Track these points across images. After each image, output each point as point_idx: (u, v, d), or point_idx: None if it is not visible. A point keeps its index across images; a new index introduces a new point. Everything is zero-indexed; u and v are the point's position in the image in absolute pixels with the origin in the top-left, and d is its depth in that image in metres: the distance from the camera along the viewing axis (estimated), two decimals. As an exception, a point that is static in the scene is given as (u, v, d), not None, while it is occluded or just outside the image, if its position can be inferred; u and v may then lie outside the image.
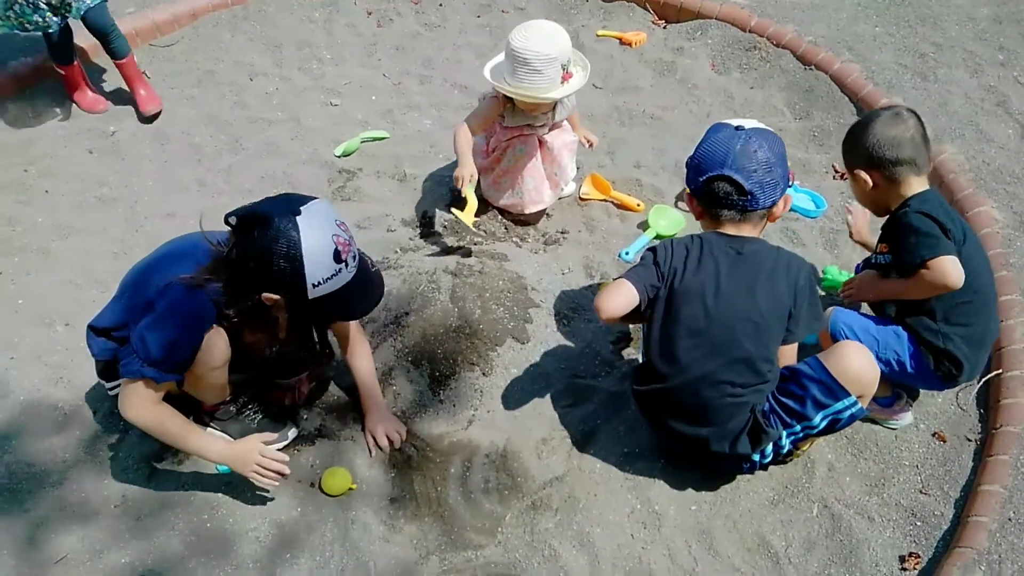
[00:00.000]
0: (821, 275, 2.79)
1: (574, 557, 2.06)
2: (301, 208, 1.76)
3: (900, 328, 2.18)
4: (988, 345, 2.24)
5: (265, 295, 1.84)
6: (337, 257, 1.80)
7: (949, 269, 2.00)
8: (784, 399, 2.00)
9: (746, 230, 2.04)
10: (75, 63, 3.51)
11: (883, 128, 2.10)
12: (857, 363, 1.98)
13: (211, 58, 3.99)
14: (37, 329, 2.62)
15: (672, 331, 2.01)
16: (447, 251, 2.85)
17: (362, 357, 2.32)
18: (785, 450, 2.07)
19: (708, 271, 2.00)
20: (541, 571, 2.04)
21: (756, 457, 2.06)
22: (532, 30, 2.61)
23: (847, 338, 2.15)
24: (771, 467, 2.23)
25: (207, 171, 3.31)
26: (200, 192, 3.22)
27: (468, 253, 2.82)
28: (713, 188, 1.98)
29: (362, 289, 1.93)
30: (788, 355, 2.09)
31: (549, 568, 2.04)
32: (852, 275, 2.74)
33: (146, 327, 1.86)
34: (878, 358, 2.13)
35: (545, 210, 3.07)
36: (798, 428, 2.01)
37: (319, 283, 1.80)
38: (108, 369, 2.10)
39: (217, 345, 1.96)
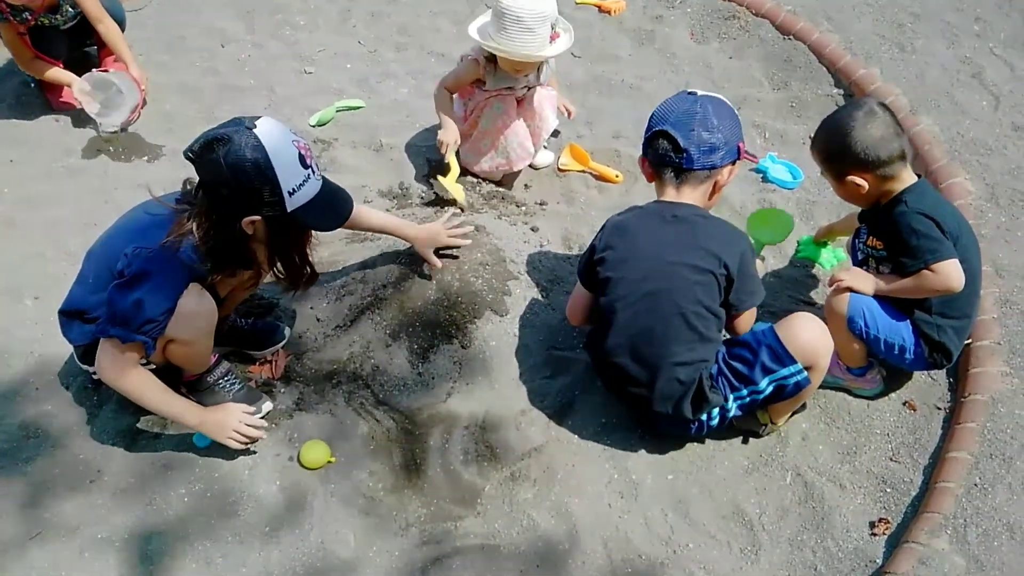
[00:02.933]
0: (796, 246, 2.81)
1: (553, 527, 2.09)
2: (255, 122, 1.80)
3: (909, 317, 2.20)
4: (970, 331, 2.29)
5: (245, 220, 1.84)
6: (303, 162, 1.84)
7: (952, 273, 2.03)
8: (734, 363, 2.08)
9: (686, 195, 2.11)
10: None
11: (865, 130, 2.07)
12: (806, 334, 2.05)
13: (181, 23, 3.88)
14: (5, 303, 2.57)
15: (614, 295, 2.09)
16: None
17: (365, 213, 2.42)
18: (731, 413, 2.12)
19: (643, 238, 2.09)
20: (520, 541, 2.06)
21: (703, 417, 2.11)
22: None
23: (865, 322, 2.17)
24: (747, 437, 2.26)
25: (179, 140, 3.23)
26: (172, 162, 3.15)
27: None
28: (655, 144, 2.09)
29: (333, 197, 1.99)
30: (740, 327, 2.17)
31: (528, 538, 2.07)
32: (829, 246, 2.75)
33: (115, 288, 1.87)
34: (886, 341, 2.17)
35: (520, 171, 3.06)
36: (745, 392, 2.08)
37: (294, 190, 1.83)
38: (88, 353, 2.08)
39: (203, 305, 1.95)
